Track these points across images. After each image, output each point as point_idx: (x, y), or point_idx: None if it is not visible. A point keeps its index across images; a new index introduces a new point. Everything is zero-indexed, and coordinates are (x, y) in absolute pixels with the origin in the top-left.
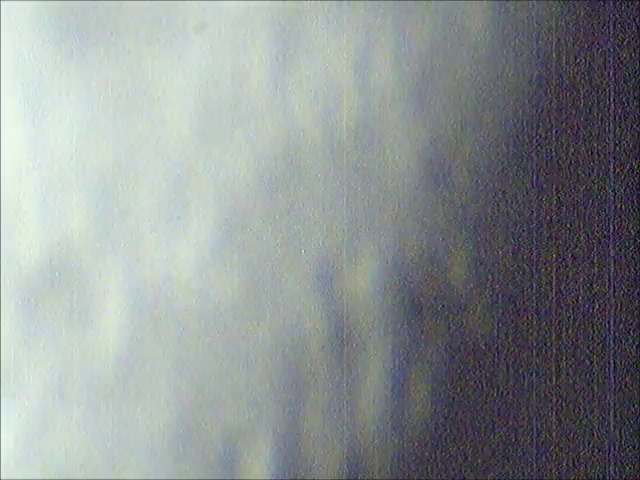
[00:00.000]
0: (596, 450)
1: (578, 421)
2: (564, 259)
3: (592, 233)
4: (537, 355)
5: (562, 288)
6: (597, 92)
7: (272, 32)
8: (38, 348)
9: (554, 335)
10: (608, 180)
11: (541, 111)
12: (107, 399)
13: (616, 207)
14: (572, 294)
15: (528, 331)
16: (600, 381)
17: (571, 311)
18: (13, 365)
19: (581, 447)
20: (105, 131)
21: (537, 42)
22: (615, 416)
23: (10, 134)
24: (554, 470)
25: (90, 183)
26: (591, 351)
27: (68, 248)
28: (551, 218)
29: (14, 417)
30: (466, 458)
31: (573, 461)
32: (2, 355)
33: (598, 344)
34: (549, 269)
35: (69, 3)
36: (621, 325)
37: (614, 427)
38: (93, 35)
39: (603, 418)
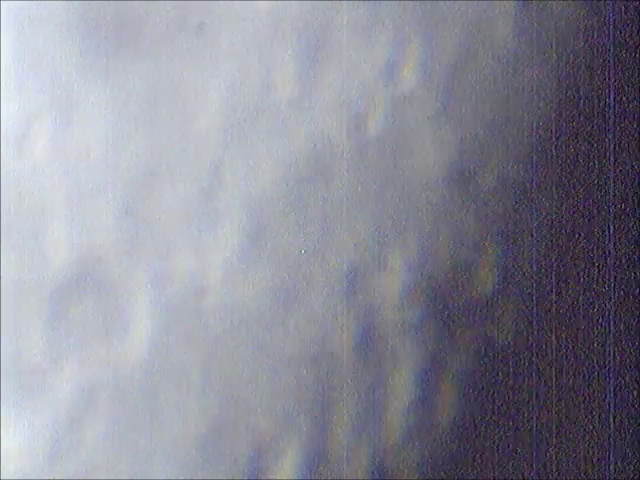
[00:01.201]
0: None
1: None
2: (594, 266)
3: (620, 239)
4: (567, 362)
5: (591, 294)
6: (628, 96)
7: (300, 41)
8: (66, 358)
9: (586, 341)
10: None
11: (571, 117)
12: (135, 409)
13: None
14: (602, 299)
15: (557, 338)
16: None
17: (602, 317)
18: (41, 375)
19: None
20: (133, 139)
21: (566, 47)
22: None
23: (38, 141)
24: (574, 470)
25: (118, 191)
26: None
27: (96, 257)
28: (579, 225)
29: (43, 428)
30: (495, 466)
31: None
32: (30, 365)
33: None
34: (577, 276)
35: (97, 9)
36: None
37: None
38: (121, 42)
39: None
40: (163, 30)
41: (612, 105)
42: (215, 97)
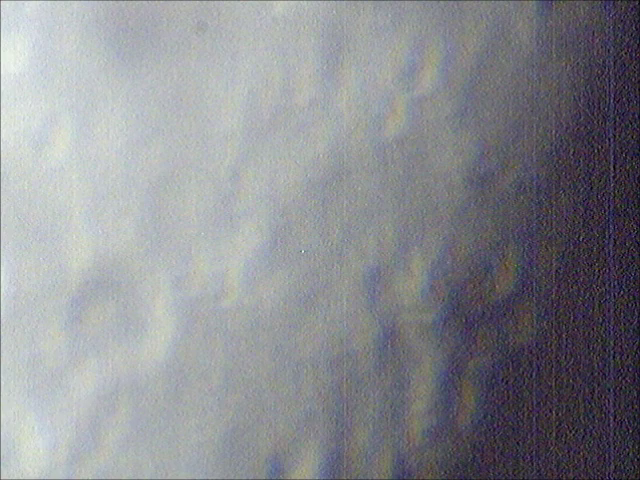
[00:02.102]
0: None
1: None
2: (613, 268)
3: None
4: (587, 361)
5: (610, 296)
6: None
7: (320, 44)
8: (86, 360)
9: (606, 343)
10: None
11: (592, 119)
12: (155, 411)
13: None
14: (622, 301)
15: (577, 338)
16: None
17: (624, 318)
18: (62, 377)
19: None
20: (154, 142)
21: (587, 48)
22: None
23: (59, 144)
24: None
25: (138, 194)
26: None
27: (117, 259)
28: (599, 228)
29: (64, 430)
30: (516, 468)
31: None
32: (51, 367)
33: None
34: (596, 278)
35: (118, 12)
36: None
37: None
38: (142, 45)
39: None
40: (183, 33)
41: (636, 107)
42: (235, 100)
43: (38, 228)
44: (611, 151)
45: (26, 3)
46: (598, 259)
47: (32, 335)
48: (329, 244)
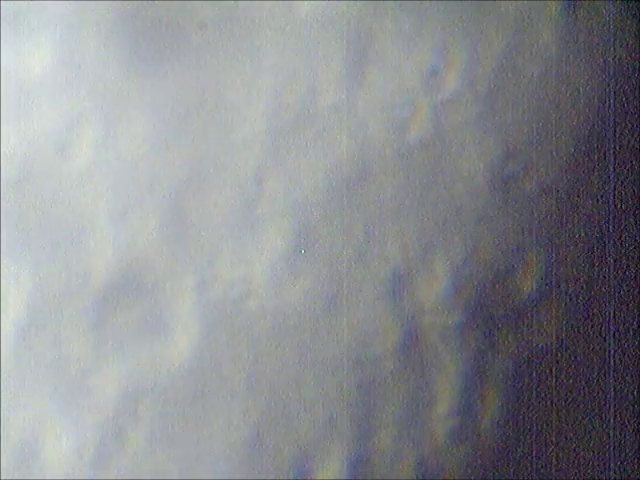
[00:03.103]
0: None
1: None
2: (638, 271)
3: None
4: (610, 363)
5: (635, 298)
6: None
7: (344, 47)
8: (110, 362)
9: (629, 344)
10: None
11: (615, 122)
12: (179, 413)
13: None
14: None
15: (600, 340)
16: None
17: None
18: (86, 379)
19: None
20: (177, 145)
21: (610, 52)
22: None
23: (82, 146)
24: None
25: (162, 197)
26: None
27: (140, 262)
28: (623, 230)
29: (88, 432)
30: (538, 470)
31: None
32: (75, 370)
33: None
34: (619, 281)
35: (142, 14)
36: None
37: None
38: (165, 48)
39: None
40: (207, 36)
41: None
42: (259, 103)
43: (62, 231)
44: (635, 154)
45: (50, 5)
46: (620, 261)
47: (56, 338)
48: (352, 247)
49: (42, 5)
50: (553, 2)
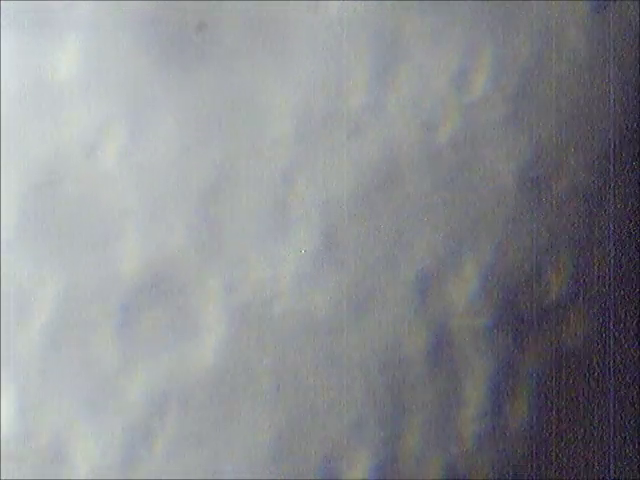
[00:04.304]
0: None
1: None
2: None
3: None
4: (639, 365)
5: None
6: None
7: (373, 49)
8: (138, 364)
9: None
10: None
11: None
12: (207, 416)
13: None
14: None
15: (629, 341)
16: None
17: None
18: (114, 381)
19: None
20: (206, 146)
21: (638, 52)
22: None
23: (111, 148)
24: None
25: (191, 199)
26: None
27: (168, 265)
28: None
29: (116, 434)
30: (568, 472)
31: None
32: (103, 372)
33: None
34: None
35: (170, 17)
36: None
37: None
38: (193, 50)
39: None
40: (236, 37)
41: None
42: (288, 104)
43: (91, 233)
44: None
45: (78, 7)
46: None
47: (84, 340)
48: (381, 249)
49: (70, 8)
50: (581, 3)
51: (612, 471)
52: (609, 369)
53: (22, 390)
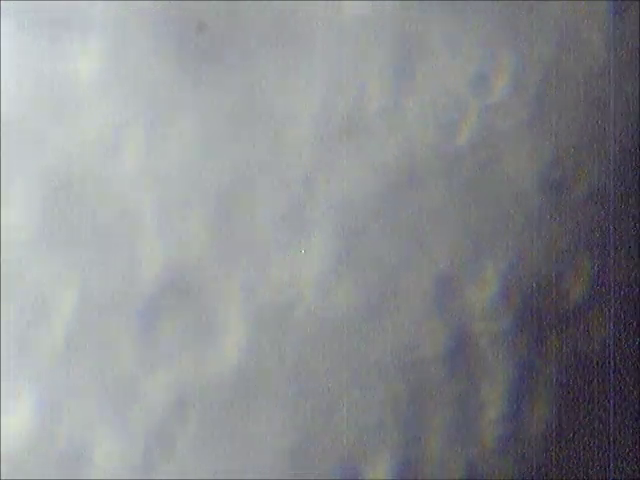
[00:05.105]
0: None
1: None
2: None
3: None
4: None
5: None
6: None
7: (393, 52)
8: (158, 367)
9: None
10: None
11: None
12: (227, 419)
13: None
14: None
15: None
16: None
17: None
18: (135, 385)
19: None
20: (225, 149)
21: None
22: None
23: (130, 152)
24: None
25: (211, 201)
26: None
27: (188, 267)
28: None
29: (136, 437)
30: (589, 474)
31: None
32: (124, 375)
33: None
34: None
35: (190, 19)
36: None
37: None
38: (212, 53)
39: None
40: (256, 41)
41: None
42: (308, 107)
43: (110, 235)
44: None
45: (98, 9)
46: None
47: (104, 343)
48: (400, 251)
49: (90, 8)
50: (601, 5)
51: (637, 472)
52: (628, 372)
53: (43, 393)
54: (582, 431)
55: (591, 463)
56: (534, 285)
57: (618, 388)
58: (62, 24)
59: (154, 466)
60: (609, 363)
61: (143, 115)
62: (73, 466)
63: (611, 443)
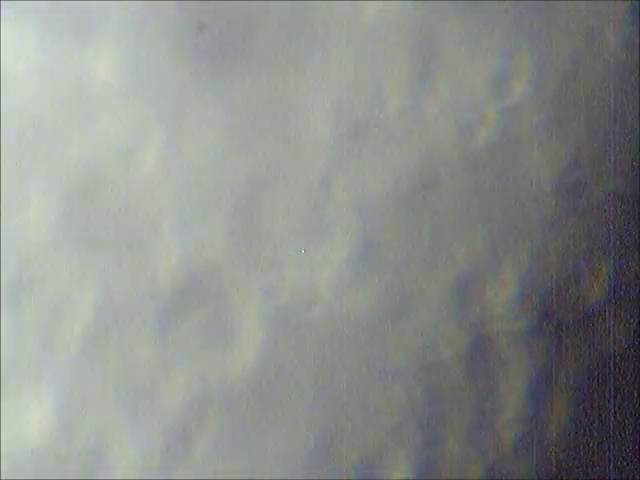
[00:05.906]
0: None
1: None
2: None
3: None
4: None
5: None
6: None
7: (411, 53)
8: (176, 370)
9: None
10: None
11: None
12: (245, 421)
13: None
14: None
15: None
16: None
17: None
18: (152, 387)
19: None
20: (243, 151)
21: None
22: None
23: (148, 153)
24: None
25: (228, 203)
26: None
27: (206, 269)
28: None
29: (154, 440)
30: (607, 477)
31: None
32: (141, 377)
33: None
34: None
35: (208, 21)
36: None
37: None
38: (231, 55)
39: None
40: (273, 42)
41: None
42: (325, 109)
43: (128, 238)
44: None
45: (115, 12)
46: None
47: (122, 344)
48: (419, 253)
49: (107, 12)
50: (621, 5)
51: None
52: None
53: (61, 394)
54: (602, 433)
55: (610, 464)
56: (553, 287)
57: (638, 389)
58: (81, 27)
59: (173, 466)
60: (630, 364)
61: (162, 117)
62: (91, 466)
63: (633, 444)
